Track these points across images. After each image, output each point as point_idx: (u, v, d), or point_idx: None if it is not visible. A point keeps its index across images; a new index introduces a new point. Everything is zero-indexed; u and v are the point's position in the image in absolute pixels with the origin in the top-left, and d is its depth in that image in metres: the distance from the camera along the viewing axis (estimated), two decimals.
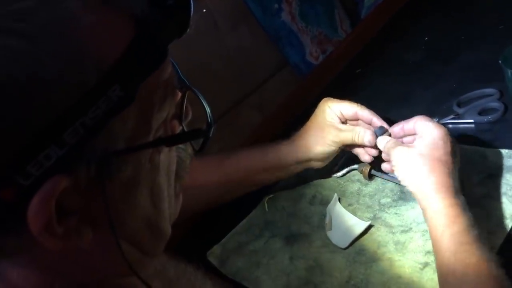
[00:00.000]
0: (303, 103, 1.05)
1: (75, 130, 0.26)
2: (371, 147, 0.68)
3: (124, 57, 0.28)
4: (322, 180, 0.81)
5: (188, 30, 0.32)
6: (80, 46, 0.27)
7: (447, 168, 0.57)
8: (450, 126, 0.79)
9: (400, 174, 0.60)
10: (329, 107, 0.71)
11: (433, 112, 0.82)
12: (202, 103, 0.37)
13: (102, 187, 0.29)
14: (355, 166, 0.78)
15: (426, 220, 0.56)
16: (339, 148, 0.71)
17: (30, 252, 0.30)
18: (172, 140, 0.35)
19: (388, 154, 0.63)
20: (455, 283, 0.50)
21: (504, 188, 0.63)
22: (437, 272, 0.52)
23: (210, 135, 0.36)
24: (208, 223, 0.86)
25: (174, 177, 0.39)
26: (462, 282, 0.49)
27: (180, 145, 0.40)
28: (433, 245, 0.54)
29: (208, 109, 0.37)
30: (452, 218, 0.52)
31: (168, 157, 0.36)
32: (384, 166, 0.68)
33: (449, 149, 0.58)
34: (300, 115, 0.88)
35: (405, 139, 0.66)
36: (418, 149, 0.59)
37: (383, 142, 0.66)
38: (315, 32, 1.14)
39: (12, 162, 0.25)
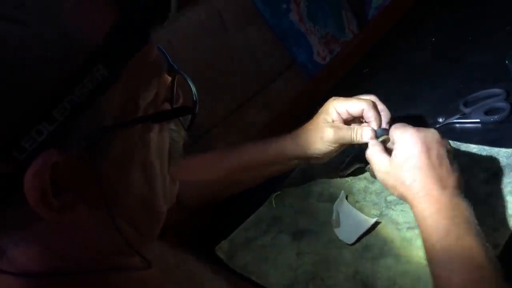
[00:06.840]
0: (310, 103, 1.06)
1: (63, 107, 0.28)
2: None
3: (106, 39, 0.30)
4: (329, 177, 0.82)
5: (169, 17, 0.34)
6: (65, 29, 0.29)
7: (409, 176, 0.57)
8: (457, 125, 0.80)
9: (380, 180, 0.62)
10: (334, 107, 0.70)
11: (440, 112, 0.83)
12: (189, 83, 0.39)
13: (93, 163, 0.31)
14: (362, 164, 0.79)
15: None
16: (339, 146, 0.70)
17: (29, 228, 0.32)
18: (158, 116, 0.36)
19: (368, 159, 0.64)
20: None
21: (509, 187, 0.64)
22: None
23: (196, 111, 0.38)
24: (217, 219, 0.87)
25: (168, 158, 0.40)
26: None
27: (173, 127, 0.41)
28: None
29: (194, 88, 0.39)
30: (419, 221, 0.55)
31: (159, 137, 0.38)
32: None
33: (419, 154, 0.57)
34: (306, 115, 0.88)
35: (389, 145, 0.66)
36: (390, 160, 0.60)
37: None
38: (323, 33, 1.14)
39: (7, 137, 0.27)
